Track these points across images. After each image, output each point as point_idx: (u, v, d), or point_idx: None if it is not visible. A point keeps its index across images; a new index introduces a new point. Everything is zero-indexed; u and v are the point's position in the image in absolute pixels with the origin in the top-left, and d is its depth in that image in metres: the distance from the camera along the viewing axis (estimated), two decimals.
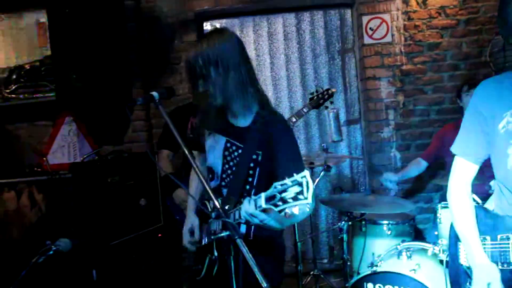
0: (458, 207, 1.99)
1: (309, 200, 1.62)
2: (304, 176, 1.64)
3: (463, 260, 1.97)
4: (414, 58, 4.36)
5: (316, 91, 3.53)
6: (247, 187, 2.22)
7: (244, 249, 1.66)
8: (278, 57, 4.60)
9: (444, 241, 3.05)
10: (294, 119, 3.50)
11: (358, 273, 3.48)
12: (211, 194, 1.87)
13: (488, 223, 1.90)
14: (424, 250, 3.11)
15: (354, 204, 3.41)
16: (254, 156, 2.19)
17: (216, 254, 2.21)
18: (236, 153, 2.25)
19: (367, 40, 4.35)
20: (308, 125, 4.65)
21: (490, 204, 2.05)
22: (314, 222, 4.40)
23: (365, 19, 4.33)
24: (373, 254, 3.43)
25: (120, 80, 4.04)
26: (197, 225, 2.33)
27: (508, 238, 1.80)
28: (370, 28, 4.32)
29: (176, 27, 4.32)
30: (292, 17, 4.59)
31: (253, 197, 1.84)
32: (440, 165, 4.03)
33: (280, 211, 1.69)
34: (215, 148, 2.29)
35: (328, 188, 4.63)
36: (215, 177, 2.30)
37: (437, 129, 4.22)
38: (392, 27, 4.33)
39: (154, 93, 2.19)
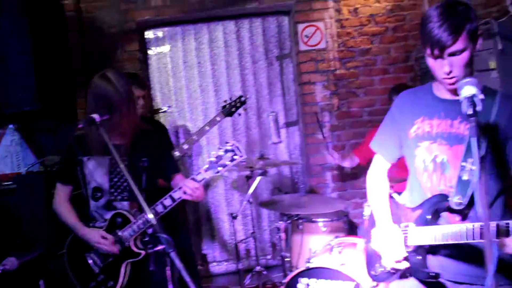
0: (373, 188, 2.30)
1: (244, 155, 2.44)
2: (234, 143, 2.42)
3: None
4: (347, 63, 4.62)
5: (230, 99, 3.72)
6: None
7: (177, 261, 1.90)
8: (219, 63, 4.75)
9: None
10: (207, 128, 3.68)
11: (296, 268, 3.74)
12: (146, 208, 2.14)
13: (396, 213, 2.18)
14: (355, 244, 3.39)
15: (290, 206, 3.64)
16: (141, 163, 2.59)
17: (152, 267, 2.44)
18: (122, 165, 2.52)
19: (302, 47, 4.57)
20: (248, 128, 4.85)
21: (403, 197, 2.29)
22: (256, 220, 4.60)
23: (300, 27, 4.55)
24: (310, 249, 3.66)
25: (63, 91, 4.11)
26: (103, 232, 2.54)
27: (407, 226, 2.07)
28: (306, 36, 4.55)
29: (118, 37, 4.40)
30: (232, 24, 4.75)
31: (190, 176, 2.46)
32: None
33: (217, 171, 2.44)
34: (99, 169, 2.58)
35: (269, 188, 4.84)
36: (104, 194, 2.59)
37: (368, 129, 4.52)
38: (326, 34, 4.56)
39: (95, 116, 2.38)
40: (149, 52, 4.70)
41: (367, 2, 4.56)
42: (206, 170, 2.45)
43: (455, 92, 1.94)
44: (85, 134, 2.54)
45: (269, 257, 4.90)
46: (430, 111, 2.07)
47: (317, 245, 3.62)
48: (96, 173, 2.59)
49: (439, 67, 1.91)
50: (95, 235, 2.52)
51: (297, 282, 3.23)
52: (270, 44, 4.82)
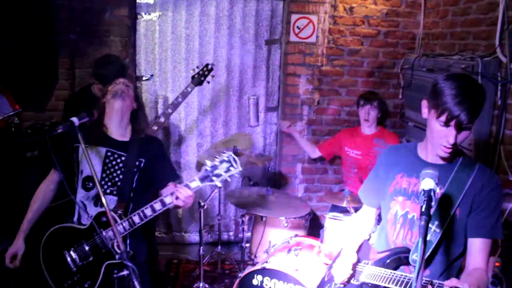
0: (352, 225, 2.59)
1: (240, 167, 2.40)
2: (230, 154, 2.40)
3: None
4: (334, 61, 4.63)
5: (197, 68, 3.84)
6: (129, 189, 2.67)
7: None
8: (208, 39, 4.68)
9: (326, 247, 3.54)
10: (180, 99, 3.83)
11: (255, 256, 3.93)
12: (113, 225, 2.22)
13: (365, 251, 2.41)
14: (312, 247, 3.58)
15: (256, 206, 3.77)
16: (137, 163, 2.67)
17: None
18: (119, 160, 2.66)
19: (293, 38, 4.54)
20: (228, 107, 4.87)
21: (373, 239, 2.53)
22: (223, 204, 4.71)
23: (293, 17, 4.50)
24: (270, 242, 3.83)
25: (44, 48, 4.03)
26: (22, 253, 2.63)
27: (367, 263, 2.31)
28: (297, 27, 4.51)
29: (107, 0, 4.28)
30: (226, 1, 4.63)
31: (182, 184, 2.46)
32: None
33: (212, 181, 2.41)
34: (93, 159, 2.58)
35: (239, 176, 4.91)
36: (95, 185, 2.58)
37: (344, 128, 4.62)
38: (318, 29, 4.53)
39: (74, 119, 2.39)
40: (138, 17, 4.59)
41: (364, 3, 4.51)
42: (200, 179, 2.42)
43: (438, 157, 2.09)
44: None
45: (231, 233, 5.08)
46: (410, 169, 2.20)
47: (277, 239, 3.80)
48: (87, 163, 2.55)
49: (444, 135, 1.99)
50: (10, 251, 2.61)
51: (253, 278, 3.41)
52: (261, 27, 4.75)
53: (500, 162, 3.41)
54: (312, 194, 4.85)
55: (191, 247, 4.91)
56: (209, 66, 3.85)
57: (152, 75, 4.64)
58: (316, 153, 4.57)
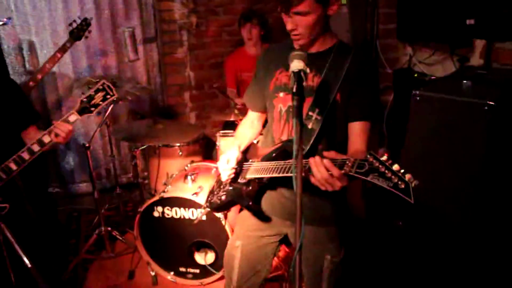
0: (238, 129, 2.50)
1: (116, 94, 2.45)
2: (104, 82, 2.40)
3: None
4: None
5: (75, 22, 3.64)
6: None
7: (9, 234, 1.83)
8: None
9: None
10: (58, 55, 3.63)
11: (155, 191, 3.82)
12: None
13: (254, 153, 2.35)
14: (209, 170, 3.53)
15: (145, 137, 3.61)
16: None
17: None
18: None
19: None
20: (103, 44, 4.54)
21: (261, 141, 2.45)
22: (116, 143, 4.49)
23: None
24: (167, 173, 3.73)
25: None
26: None
27: (253, 161, 2.28)
28: None
29: None
30: None
31: (60, 120, 2.37)
32: None
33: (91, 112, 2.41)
34: None
35: (125, 112, 4.70)
36: None
37: (228, 49, 4.51)
38: None
39: None
40: None
41: None
42: (79, 112, 2.40)
43: (308, 46, 2.03)
44: None
45: (130, 175, 4.90)
46: (288, 63, 2.13)
47: (174, 168, 3.71)
48: None
49: (286, 23, 1.95)
50: None
51: (153, 210, 3.32)
52: None
53: (378, 56, 3.50)
54: (205, 121, 4.75)
55: (89, 196, 4.67)
56: (88, 21, 3.67)
57: (9, 18, 4.17)
58: (234, 92, 4.38)
